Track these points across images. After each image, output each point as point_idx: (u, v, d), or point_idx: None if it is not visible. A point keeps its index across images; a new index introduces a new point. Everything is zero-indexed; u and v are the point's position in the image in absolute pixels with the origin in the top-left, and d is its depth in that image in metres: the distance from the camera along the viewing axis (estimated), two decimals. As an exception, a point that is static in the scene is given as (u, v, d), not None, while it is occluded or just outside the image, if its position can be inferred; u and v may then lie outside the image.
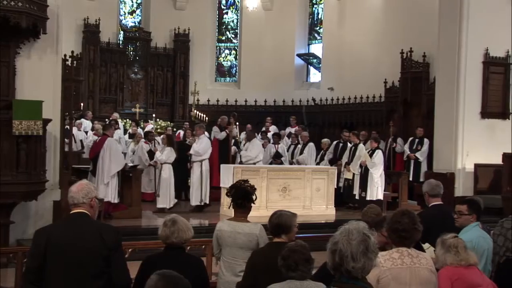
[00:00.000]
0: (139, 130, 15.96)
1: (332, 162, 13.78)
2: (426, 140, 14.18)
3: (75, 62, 11.59)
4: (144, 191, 12.78)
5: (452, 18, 12.93)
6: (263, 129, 17.26)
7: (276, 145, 14.65)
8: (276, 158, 14.35)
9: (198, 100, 20.57)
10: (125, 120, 18.94)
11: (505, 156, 11.95)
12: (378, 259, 3.83)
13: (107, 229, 3.97)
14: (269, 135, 16.52)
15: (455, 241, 4.34)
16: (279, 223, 4.73)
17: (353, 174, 12.96)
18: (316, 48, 21.33)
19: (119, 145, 11.57)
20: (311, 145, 14.72)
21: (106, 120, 16.89)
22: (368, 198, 12.31)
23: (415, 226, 4.05)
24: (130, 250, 6.83)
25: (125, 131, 17.44)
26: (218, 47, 22.85)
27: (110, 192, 10.72)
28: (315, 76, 21.54)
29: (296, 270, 3.63)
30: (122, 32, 21.18)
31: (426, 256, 4.11)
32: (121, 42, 20.85)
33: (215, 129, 15.47)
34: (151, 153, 13.19)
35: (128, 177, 11.34)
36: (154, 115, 18.99)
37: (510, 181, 11.69)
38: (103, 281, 3.81)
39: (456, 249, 4.28)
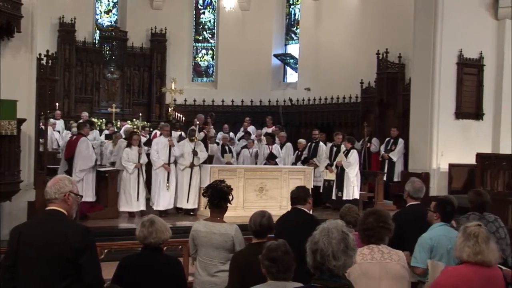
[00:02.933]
0: (122, 130, 15.78)
1: (304, 162, 13.81)
2: (400, 140, 14.34)
3: (50, 61, 11.49)
4: None
5: (427, 20, 13.09)
6: (242, 129, 17.23)
7: (270, 146, 14.15)
8: (270, 159, 13.85)
9: (175, 100, 20.45)
10: (101, 120, 18.81)
11: (478, 156, 12.13)
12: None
13: (74, 230, 3.76)
14: (250, 135, 16.46)
15: (477, 229, 3.94)
16: (271, 224, 4.82)
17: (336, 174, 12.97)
18: (293, 49, 21.41)
19: (90, 144, 11.35)
20: (288, 145, 14.72)
21: (81, 120, 16.76)
22: (344, 197, 12.38)
23: (380, 224, 4.11)
24: (106, 250, 6.79)
25: (101, 131, 17.29)
26: (195, 47, 22.82)
27: (83, 191, 10.56)
28: (291, 76, 21.62)
29: (286, 272, 3.65)
30: (98, 31, 21.03)
31: (400, 253, 4.13)
32: (97, 41, 20.69)
33: (193, 129, 15.43)
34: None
35: (104, 177, 11.25)
36: (140, 114, 18.82)
37: (483, 181, 11.87)
38: (68, 282, 3.68)
39: (476, 239, 3.89)
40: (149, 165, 11.84)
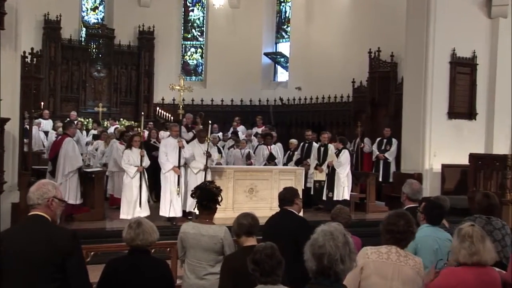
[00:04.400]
0: (111, 130, 15.70)
1: (298, 162, 13.81)
2: (394, 140, 14.35)
3: (35, 59, 11.44)
4: (120, 197, 11.90)
5: (419, 18, 13.14)
6: (231, 129, 17.22)
7: (269, 147, 14.03)
8: (270, 160, 13.71)
9: (163, 99, 20.45)
10: (87, 120, 18.73)
11: (471, 156, 12.18)
12: (365, 251, 4.01)
13: (59, 234, 3.75)
14: (237, 135, 16.43)
15: (470, 229, 3.96)
16: (257, 223, 4.87)
17: (326, 175, 12.96)
18: (284, 47, 21.42)
19: (76, 145, 11.25)
20: (279, 145, 14.72)
21: (68, 119, 16.68)
22: (335, 198, 12.40)
23: (410, 229, 4.12)
24: (92, 253, 6.75)
25: (88, 131, 17.23)
26: (183, 45, 22.78)
27: (68, 193, 10.46)
28: (282, 75, 21.63)
29: (271, 275, 3.65)
30: (84, 29, 20.94)
31: (417, 259, 4.12)
32: (83, 39, 20.63)
33: (182, 129, 15.38)
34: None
35: (90, 178, 11.18)
36: (142, 113, 18.36)
37: (476, 182, 11.92)
38: (56, 285, 3.66)
39: (471, 240, 3.90)
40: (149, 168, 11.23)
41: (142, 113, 16.57)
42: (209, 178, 10.95)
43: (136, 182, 10.74)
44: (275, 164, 13.58)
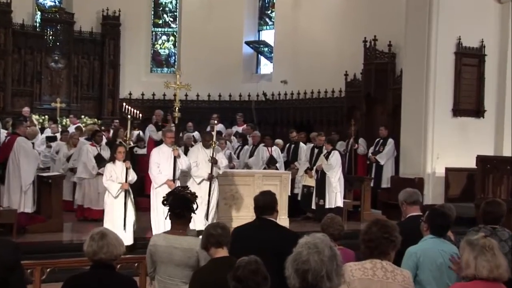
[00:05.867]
0: (71, 129, 15.56)
1: (284, 166, 13.81)
2: (390, 141, 14.36)
3: (-19, 47, 11.30)
4: (91, 207, 12.07)
5: (421, 3, 13.21)
6: (208, 128, 17.18)
7: (269, 148, 14.03)
8: (271, 164, 13.69)
9: (130, 93, 20.41)
10: (43, 117, 18.57)
11: (479, 159, 12.25)
12: (349, 268, 3.96)
13: (3, 246, 3.79)
14: (222, 134, 16.37)
15: (488, 241, 4.01)
16: (229, 232, 4.84)
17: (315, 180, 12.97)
18: (268, 35, 21.45)
19: (30, 143, 11.12)
20: (262, 147, 14.71)
21: (21, 117, 16.53)
22: (327, 206, 12.40)
23: (384, 236, 4.11)
24: (48, 270, 6.71)
25: (42, 130, 17.06)
26: (154, 33, 22.73)
27: (23, 201, 10.36)
28: (266, 67, 21.67)
29: None
30: (39, 13, 20.80)
31: (405, 273, 4.15)
32: (38, 24, 20.48)
33: (151, 127, 15.33)
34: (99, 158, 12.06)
35: (46, 183, 11.08)
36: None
37: (484, 187, 12.00)
38: None
39: (493, 252, 3.95)
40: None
41: (131, 108, 16.16)
42: (215, 188, 10.84)
43: (119, 202, 9.86)
44: (276, 169, 13.57)
